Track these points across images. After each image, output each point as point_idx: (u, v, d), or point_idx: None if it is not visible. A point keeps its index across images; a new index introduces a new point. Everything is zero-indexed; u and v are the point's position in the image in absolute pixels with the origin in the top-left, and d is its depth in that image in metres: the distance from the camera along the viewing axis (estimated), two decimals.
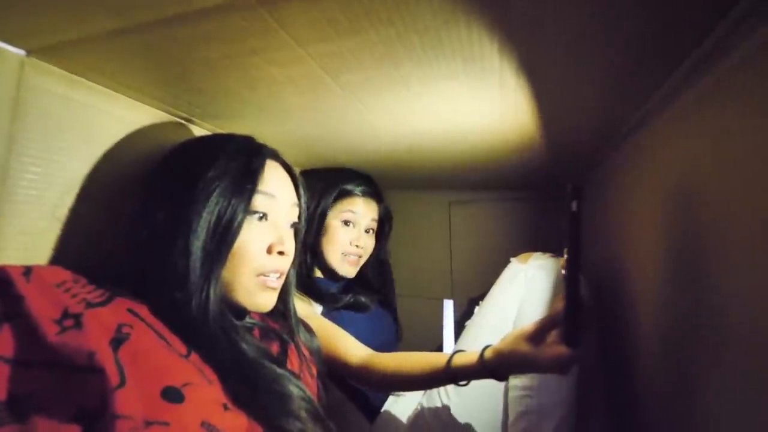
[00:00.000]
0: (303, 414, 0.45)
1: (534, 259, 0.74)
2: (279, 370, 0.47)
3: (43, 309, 0.36)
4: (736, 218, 0.37)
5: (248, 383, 0.44)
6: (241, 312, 0.53)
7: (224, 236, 0.46)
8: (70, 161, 0.50)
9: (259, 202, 0.50)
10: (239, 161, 0.49)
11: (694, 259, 0.44)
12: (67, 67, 0.48)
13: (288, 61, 0.45)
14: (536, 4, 0.34)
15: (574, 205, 0.45)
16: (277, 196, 0.52)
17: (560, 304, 0.50)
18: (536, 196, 1.14)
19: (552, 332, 0.52)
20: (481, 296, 0.81)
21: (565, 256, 0.49)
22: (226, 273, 0.48)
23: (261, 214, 0.51)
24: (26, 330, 0.35)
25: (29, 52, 0.44)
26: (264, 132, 0.68)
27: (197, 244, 0.45)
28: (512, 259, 0.79)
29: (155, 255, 0.46)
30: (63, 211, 0.49)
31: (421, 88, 0.52)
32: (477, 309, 0.78)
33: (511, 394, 0.65)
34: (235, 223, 0.47)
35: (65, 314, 0.36)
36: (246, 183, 0.49)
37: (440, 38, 0.40)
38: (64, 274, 0.41)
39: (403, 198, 1.25)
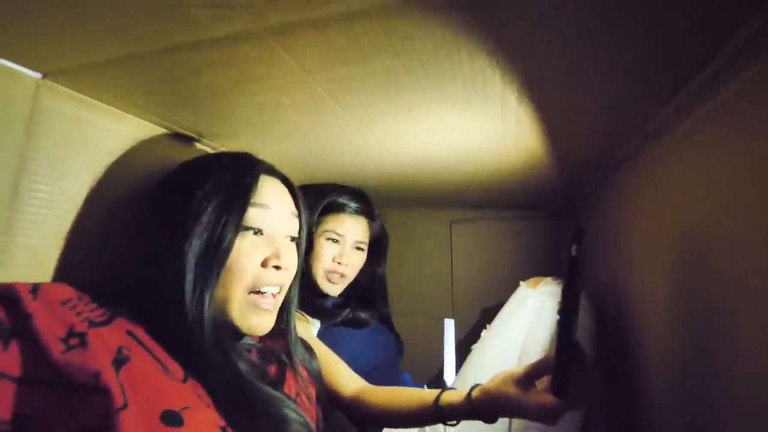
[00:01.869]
0: None
1: (544, 285, 0.72)
2: (275, 393, 0.47)
3: (49, 327, 0.36)
4: (738, 239, 0.37)
5: (244, 406, 0.43)
6: (237, 333, 0.53)
7: (216, 253, 0.46)
8: (78, 180, 0.51)
9: (252, 216, 0.49)
10: (231, 178, 0.49)
11: (701, 283, 0.44)
12: (79, 89, 0.49)
13: (294, 86, 0.46)
14: (531, 32, 0.35)
15: (573, 249, 0.42)
16: (272, 207, 0.51)
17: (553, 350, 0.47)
18: (538, 216, 1.14)
19: (543, 377, 0.49)
20: (496, 307, 0.79)
21: (560, 299, 0.45)
22: (220, 291, 0.47)
23: (255, 230, 0.49)
24: (33, 348, 0.35)
25: (45, 75, 0.46)
26: (267, 150, 0.68)
27: (190, 263, 0.45)
28: (522, 283, 0.77)
29: (151, 276, 0.46)
30: (70, 229, 0.50)
31: (424, 113, 0.53)
32: (484, 333, 0.77)
33: (514, 426, 0.63)
34: (226, 240, 0.46)
35: (71, 333, 0.36)
36: (237, 198, 0.48)
37: (443, 68, 0.41)
38: (70, 292, 0.41)
39: (404, 216, 1.25)
